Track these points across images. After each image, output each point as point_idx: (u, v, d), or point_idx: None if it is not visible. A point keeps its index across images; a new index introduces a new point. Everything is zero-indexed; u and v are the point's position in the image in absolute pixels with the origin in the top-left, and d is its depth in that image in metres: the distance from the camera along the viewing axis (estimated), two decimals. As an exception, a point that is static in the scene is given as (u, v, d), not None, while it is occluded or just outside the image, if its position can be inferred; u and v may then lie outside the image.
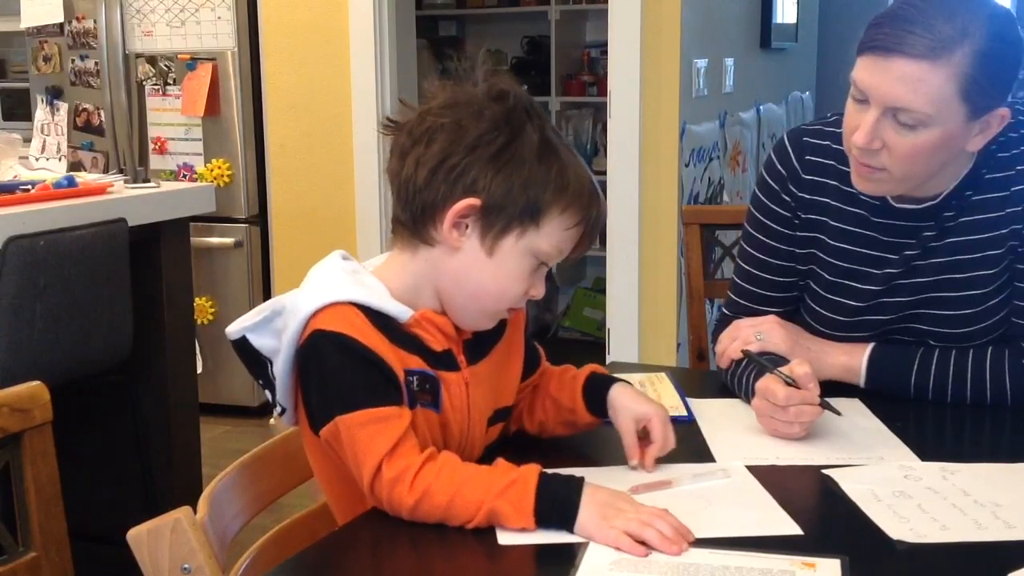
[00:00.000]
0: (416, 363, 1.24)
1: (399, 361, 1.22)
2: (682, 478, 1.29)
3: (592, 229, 1.29)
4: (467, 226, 1.24)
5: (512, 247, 1.25)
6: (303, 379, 1.24)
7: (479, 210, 1.23)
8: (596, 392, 1.40)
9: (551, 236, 1.25)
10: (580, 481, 1.16)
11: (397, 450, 1.17)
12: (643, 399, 1.38)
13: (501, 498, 1.14)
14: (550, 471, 1.17)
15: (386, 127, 1.29)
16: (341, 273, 1.27)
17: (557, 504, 1.13)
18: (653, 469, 1.32)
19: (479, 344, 1.32)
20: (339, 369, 1.20)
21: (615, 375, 1.45)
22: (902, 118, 1.42)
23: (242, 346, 1.28)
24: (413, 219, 1.26)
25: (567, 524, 1.13)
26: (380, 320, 1.23)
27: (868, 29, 1.44)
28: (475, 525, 1.14)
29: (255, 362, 1.28)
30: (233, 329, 1.29)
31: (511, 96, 1.26)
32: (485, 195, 1.23)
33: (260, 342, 1.27)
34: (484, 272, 1.25)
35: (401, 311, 1.25)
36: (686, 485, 1.28)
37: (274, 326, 1.26)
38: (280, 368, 1.25)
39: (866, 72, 1.44)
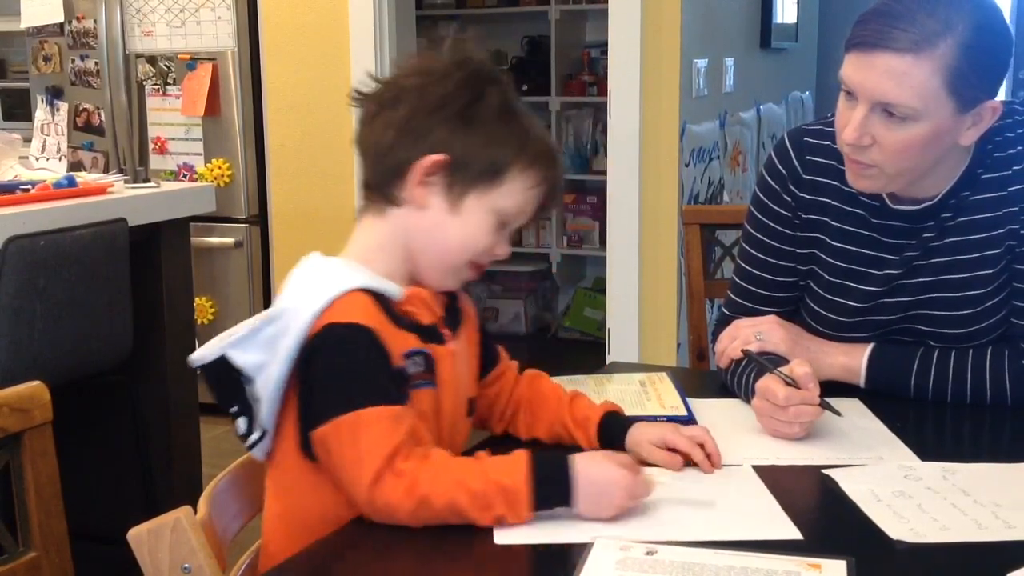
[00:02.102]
0: (413, 341, 1.26)
1: (402, 343, 1.24)
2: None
3: (553, 190, 1.33)
4: (433, 184, 1.28)
5: (475, 204, 1.28)
6: (305, 377, 1.22)
7: (443, 167, 1.26)
8: (610, 435, 1.39)
9: (512, 195, 1.29)
10: (567, 463, 1.18)
11: (399, 453, 1.16)
12: (660, 426, 1.38)
13: (498, 500, 1.15)
14: (538, 455, 1.19)
15: (354, 98, 1.33)
16: (336, 264, 1.28)
17: (552, 499, 1.17)
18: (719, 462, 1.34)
19: (451, 320, 1.34)
20: (351, 364, 1.20)
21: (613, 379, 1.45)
22: (891, 112, 1.43)
23: (215, 368, 1.24)
24: (382, 181, 1.30)
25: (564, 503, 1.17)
26: (383, 302, 1.25)
27: (854, 26, 1.46)
28: (474, 523, 1.15)
29: (230, 385, 1.24)
30: (207, 351, 1.24)
31: (474, 62, 1.30)
32: (449, 152, 1.26)
33: (244, 358, 1.23)
34: (449, 228, 1.29)
35: (395, 290, 1.27)
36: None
37: (262, 337, 1.23)
38: (271, 380, 1.22)
39: (853, 68, 1.45)
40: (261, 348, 1.23)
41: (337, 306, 1.21)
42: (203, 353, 1.24)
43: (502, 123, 1.28)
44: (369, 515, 1.18)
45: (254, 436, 1.25)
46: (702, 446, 1.34)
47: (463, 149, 1.27)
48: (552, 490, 1.16)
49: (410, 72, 1.31)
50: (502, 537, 1.14)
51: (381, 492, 1.16)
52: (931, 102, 1.42)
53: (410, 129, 1.27)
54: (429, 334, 1.29)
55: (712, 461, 1.33)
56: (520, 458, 1.18)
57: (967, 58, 1.40)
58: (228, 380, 1.24)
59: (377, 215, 1.32)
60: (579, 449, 1.37)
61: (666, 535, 1.14)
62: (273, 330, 1.22)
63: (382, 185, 1.30)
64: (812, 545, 1.12)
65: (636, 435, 1.37)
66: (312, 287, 1.24)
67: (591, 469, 1.18)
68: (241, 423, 1.25)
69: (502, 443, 1.42)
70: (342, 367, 1.20)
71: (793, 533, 1.16)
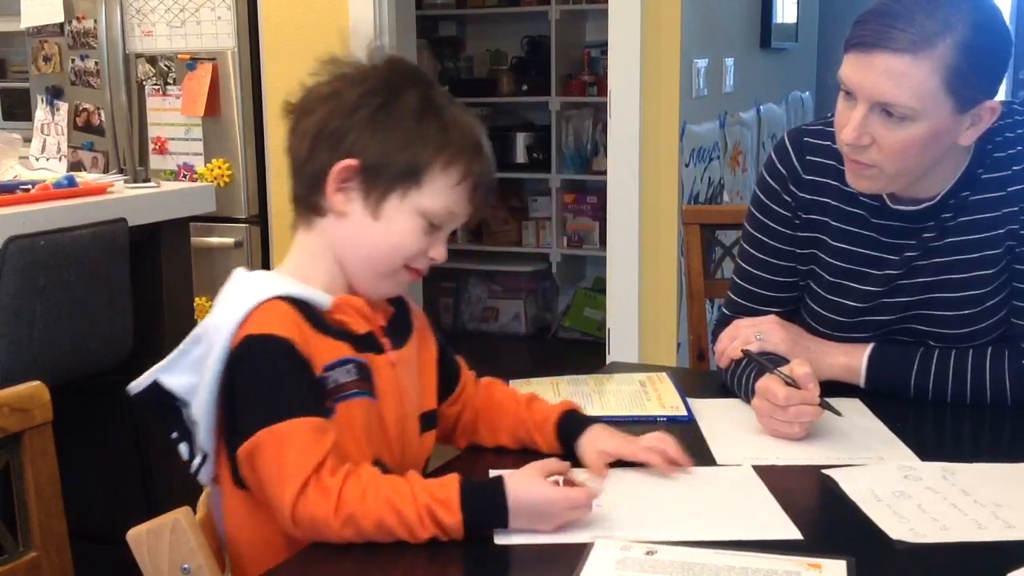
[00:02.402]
0: (345, 350, 1.23)
1: (329, 351, 1.21)
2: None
3: (481, 186, 1.28)
4: (350, 189, 1.25)
5: (397, 208, 1.25)
6: (229, 392, 1.18)
7: (358, 172, 1.24)
8: (568, 435, 1.37)
9: (436, 195, 1.25)
10: (500, 488, 1.14)
11: (324, 467, 1.13)
12: (617, 435, 1.35)
13: (428, 524, 1.12)
14: (470, 481, 1.15)
15: (283, 109, 1.31)
16: (260, 276, 1.26)
17: (485, 525, 1.14)
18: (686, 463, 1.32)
19: (396, 331, 1.31)
20: (272, 375, 1.16)
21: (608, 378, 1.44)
22: (890, 112, 1.43)
23: (150, 395, 1.22)
24: (305, 192, 1.28)
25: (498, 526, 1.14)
26: (306, 311, 1.22)
27: (853, 26, 1.46)
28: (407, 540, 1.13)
29: (168, 411, 1.22)
30: (140, 380, 1.22)
31: (392, 62, 1.28)
32: (362, 156, 1.23)
33: (174, 382, 1.21)
34: (374, 235, 1.26)
35: (323, 298, 1.24)
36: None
37: (191, 358, 1.21)
38: (203, 401, 1.20)
39: (851, 68, 1.45)
40: (190, 369, 1.21)
41: (254, 317, 1.19)
42: (138, 381, 1.23)
43: (420, 122, 1.24)
44: (292, 532, 1.14)
45: (196, 461, 1.23)
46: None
47: (378, 152, 1.23)
48: (485, 518, 1.14)
49: (327, 78, 1.28)
50: (502, 537, 1.14)
51: (305, 507, 1.12)
52: (930, 102, 1.42)
53: (324, 136, 1.24)
54: (364, 343, 1.25)
55: (679, 463, 1.31)
56: (451, 485, 1.14)
57: (966, 58, 1.40)
58: (166, 406, 1.22)
59: (306, 227, 1.29)
60: (540, 452, 1.36)
61: (666, 535, 1.14)
62: (200, 350, 1.20)
63: (306, 195, 1.28)
64: (812, 545, 1.12)
65: (591, 439, 1.35)
66: (231, 301, 1.21)
67: (524, 491, 1.14)
68: (183, 449, 1.23)
69: (468, 457, 1.42)
70: (260, 380, 1.17)
71: (793, 533, 1.16)
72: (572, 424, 1.37)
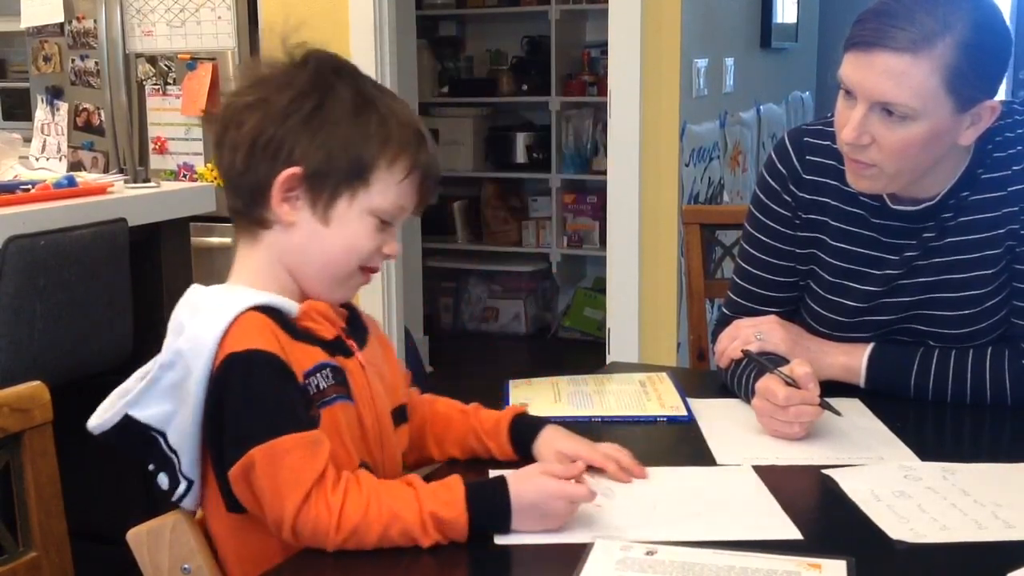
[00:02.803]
0: (320, 355, 1.20)
1: (307, 358, 1.18)
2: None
3: (428, 177, 1.26)
4: (296, 198, 1.21)
5: (347, 211, 1.22)
6: (216, 414, 1.14)
7: (303, 179, 1.20)
8: (522, 438, 1.36)
9: (385, 192, 1.22)
10: (503, 489, 1.14)
11: (326, 479, 1.12)
12: (574, 437, 1.34)
13: (432, 531, 1.12)
14: (475, 484, 1.15)
15: (205, 122, 1.28)
16: (222, 291, 1.22)
17: (490, 527, 1.13)
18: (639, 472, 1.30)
19: (356, 333, 1.29)
20: (260, 392, 1.13)
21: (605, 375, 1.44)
22: (890, 111, 1.43)
23: (119, 431, 1.17)
24: (245, 205, 1.24)
25: (502, 531, 1.14)
26: (279, 319, 1.19)
27: (853, 26, 1.46)
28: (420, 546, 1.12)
29: (140, 443, 1.18)
30: (107, 416, 1.17)
31: (314, 59, 1.23)
32: (305, 163, 1.19)
33: (147, 413, 1.16)
34: (326, 241, 1.22)
35: (291, 306, 1.21)
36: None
37: (163, 386, 1.16)
38: (184, 427, 1.16)
39: (851, 68, 1.45)
40: (165, 397, 1.17)
41: (234, 333, 1.15)
42: (103, 419, 1.18)
43: (357, 119, 1.21)
44: (291, 542, 1.13)
45: (180, 489, 1.18)
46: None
47: (320, 157, 1.20)
48: (490, 519, 1.13)
49: (249, 84, 1.24)
50: (502, 537, 1.14)
51: (307, 521, 1.10)
52: (929, 101, 1.42)
53: (260, 147, 1.20)
54: (334, 347, 1.24)
55: (634, 473, 1.30)
56: (456, 487, 1.13)
57: (966, 57, 1.40)
58: (137, 438, 1.18)
59: (250, 241, 1.26)
60: (494, 459, 1.35)
61: (666, 535, 1.14)
62: (174, 376, 1.16)
63: (247, 209, 1.24)
64: (812, 545, 1.12)
65: (547, 440, 1.34)
66: (203, 320, 1.16)
67: (527, 489, 1.14)
68: (162, 479, 1.19)
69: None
70: (250, 399, 1.13)
71: (793, 533, 1.16)
72: (525, 427, 1.36)
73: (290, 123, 1.20)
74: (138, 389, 1.17)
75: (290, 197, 1.21)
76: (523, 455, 1.34)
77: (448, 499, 1.12)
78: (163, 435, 1.17)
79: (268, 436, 1.11)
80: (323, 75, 1.22)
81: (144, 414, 1.17)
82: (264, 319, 1.17)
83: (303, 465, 1.11)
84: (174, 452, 1.17)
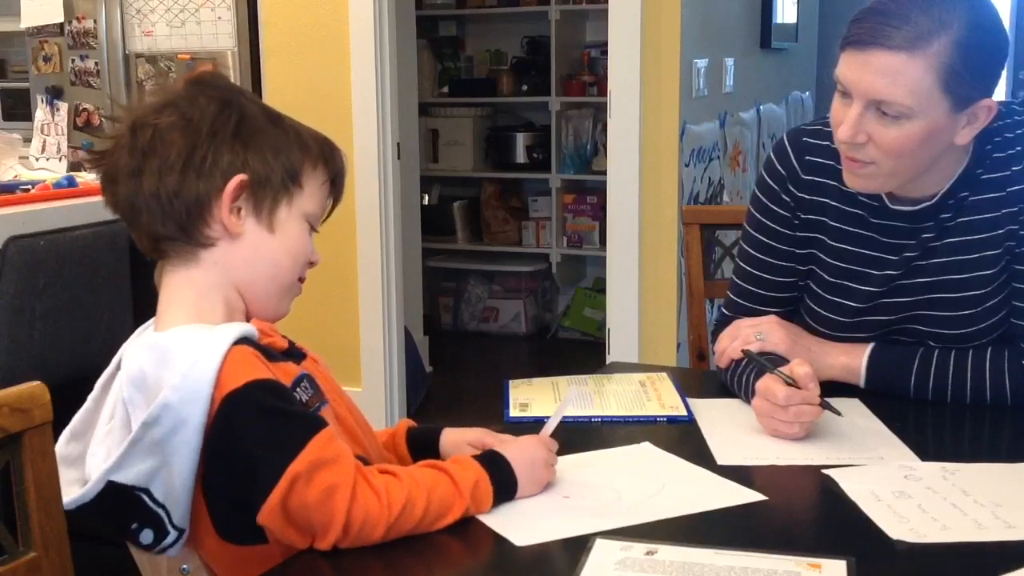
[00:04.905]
0: (293, 368, 1.22)
1: (285, 374, 1.19)
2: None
3: (340, 181, 1.31)
4: (240, 208, 1.22)
5: (287, 216, 1.25)
6: (226, 456, 1.13)
7: (247, 187, 1.21)
8: (421, 445, 1.40)
9: (313, 196, 1.26)
10: (503, 458, 1.22)
11: (362, 469, 1.13)
12: (474, 430, 1.39)
13: (469, 498, 1.18)
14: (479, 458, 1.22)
15: (96, 161, 1.24)
16: (193, 332, 1.18)
17: (503, 494, 1.21)
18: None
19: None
20: (274, 415, 1.13)
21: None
22: (885, 111, 1.43)
23: (101, 498, 1.15)
24: (180, 228, 1.21)
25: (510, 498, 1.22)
26: (255, 345, 1.18)
27: (849, 24, 1.46)
28: (445, 525, 1.16)
29: (119, 505, 1.15)
30: (86, 489, 1.15)
31: (212, 77, 1.26)
32: (247, 171, 1.21)
33: (130, 474, 1.14)
34: (273, 248, 1.24)
35: (252, 329, 1.20)
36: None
37: (146, 444, 1.13)
38: (177, 480, 1.13)
39: (847, 67, 1.45)
40: (148, 455, 1.14)
41: (226, 373, 1.13)
42: (81, 492, 1.16)
43: (275, 128, 1.24)
44: (342, 543, 1.12)
45: (168, 540, 1.16)
46: None
47: (259, 164, 1.22)
48: (502, 487, 1.20)
49: (155, 109, 1.22)
50: (502, 531, 1.14)
51: (358, 514, 1.11)
52: (924, 100, 1.42)
53: (194, 164, 1.19)
54: (293, 356, 1.26)
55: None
56: (470, 461, 1.21)
57: (961, 57, 1.40)
58: (119, 499, 1.15)
59: (187, 266, 1.23)
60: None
61: (634, 519, 1.18)
62: (159, 432, 1.13)
63: (182, 232, 1.21)
64: (812, 545, 1.12)
65: (452, 439, 1.39)
66: (187, 368, 1.13)
67: (521, 455, 1.23)
68: (146, 535, 1.16)
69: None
70: (266, 425, 1.12)
71: (753, 496, 1.22)
72: (423, 433, 1.41)
73: (220, 138, 1.21)
74: (119, 453, 1.14)
75: (235, 208, 1.22)
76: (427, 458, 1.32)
77: (471, 467, 1.19)
78: (147, 491, 1.15)
79: (299, 447, 1.11)
80: (229, 91, 1.26)
81: (127, 476, 1.14)
82: (248, 350, 1.16)
83: (339, 457, 1.13)
84: (161, 506, 1.15)
